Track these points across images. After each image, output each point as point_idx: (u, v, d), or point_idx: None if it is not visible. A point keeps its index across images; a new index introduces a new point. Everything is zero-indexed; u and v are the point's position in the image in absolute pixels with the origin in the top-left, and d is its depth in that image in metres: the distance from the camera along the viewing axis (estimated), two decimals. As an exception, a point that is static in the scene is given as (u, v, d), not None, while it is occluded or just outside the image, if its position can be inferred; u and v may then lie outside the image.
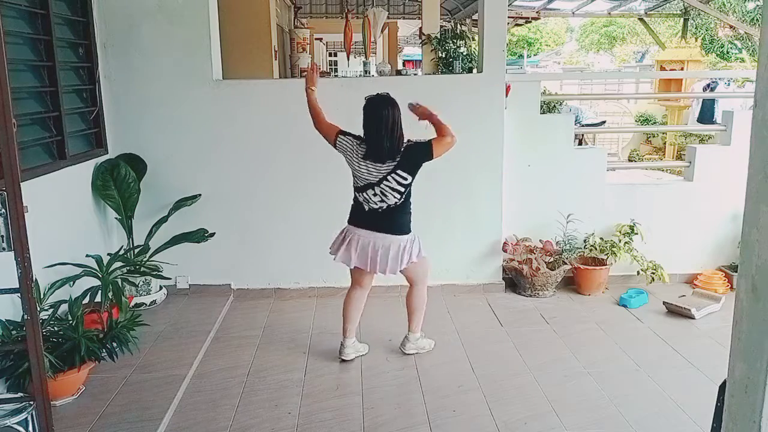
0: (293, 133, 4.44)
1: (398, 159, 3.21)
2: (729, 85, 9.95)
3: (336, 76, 12.51)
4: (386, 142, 3.20)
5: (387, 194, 3.26)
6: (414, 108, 3.35)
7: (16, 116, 2.52)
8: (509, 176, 4.57)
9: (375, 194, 3.27)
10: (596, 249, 4.62)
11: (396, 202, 3.28)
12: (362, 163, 3.26)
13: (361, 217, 3.35)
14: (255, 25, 6.78)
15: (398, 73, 7.51)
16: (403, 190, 3.26)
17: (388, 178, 3.23)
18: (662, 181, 5.60)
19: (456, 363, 3.56)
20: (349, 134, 3.33)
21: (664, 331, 3.98)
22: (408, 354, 3.64)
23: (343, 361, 3.56)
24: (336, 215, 3.96)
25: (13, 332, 2.83)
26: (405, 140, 3.27)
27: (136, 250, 4.12)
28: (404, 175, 3.23)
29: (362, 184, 3.29)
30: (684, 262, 4.80)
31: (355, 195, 3.38)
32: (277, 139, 4.45)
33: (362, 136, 3.30)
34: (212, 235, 4.24)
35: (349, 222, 3.42)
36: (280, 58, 7.78)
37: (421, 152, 3.24)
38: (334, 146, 3.35)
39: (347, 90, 4.52)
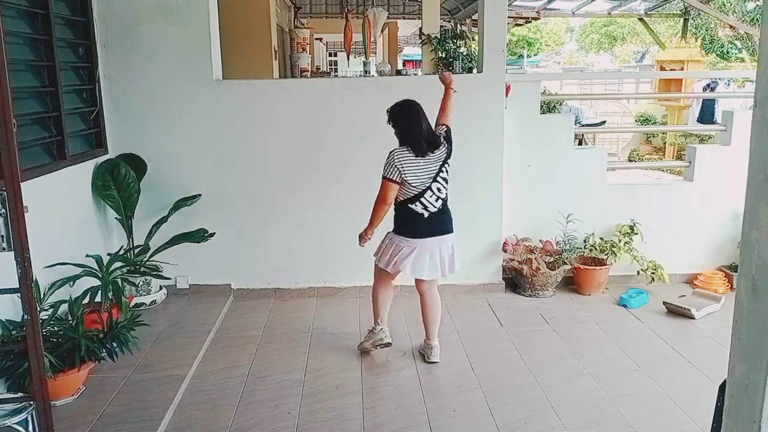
0: (293, 133, 4.44)
1: (444, 149, 3.35)
2: (729, 85, 9.94)
3: (336, 76, 12.52)
4: (427, 134, 3.31)
5: (441, 189, 3.34)
6: (444, 77, 3.69)
7: (16, 116, 2.52)
8: (509, 176, 4.57)
9: (432, 194, 3.31)
10: (596, 249, 4.62)
11: (447, 194, 3.39)
12: (418, 166, 3.27)
13: (424, 226, 3.34)
14: (255, 25, 6.78)
15: (398, 73, 7.52)
16: (448, 179, 3.40)
17: (442, 169, 3.33)
18: (662, 181, 5.60)
19: (456, 363, 3.56)
20: (393, 165, 3.26)
21: (664, 331, 3.98)
22: (431, 362, 3.55)
23: (388, 344, 3.61)
24: (336, 215, 3.99)
25: (13, 332, 2.83)
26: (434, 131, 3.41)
27: (136, 250, 4.12)
28: (449, 166, 3.39)
29: (421, 190, 3.28)
30: (684, 262, 4.80)
31: (408, 207, 3.33)
32: (277, 139, 4.45)
33: (399, 146, 3.32)
34: (212, 235, 4.24)
35: (411, 236, 3.35)
36: (280, 58, 7.78)
37: (450, 140, 3.45)
38: (402, 182, 3.29)
39: (347, 90, 4.52)
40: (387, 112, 3.38)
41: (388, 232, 3.47)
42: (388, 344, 3.62)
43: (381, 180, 3.31)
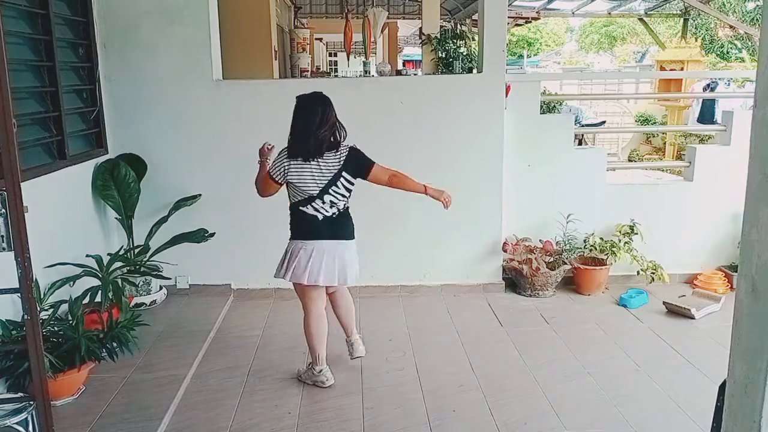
0: (293, 133, 4.44)
1: (336, 161, 3.07)
2: (729, 85, 9.94)
3: (336, 76, 12.52)
4: (312, 138, 3.02)
5: (336, 202, 3.11)
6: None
7: (16, 116, 2.52)
8: (509, 176, 4.57)
9: (323, 203, 3.08)
10: (596, 249, 4.62)
11: (345, 206, 3.17)
12: (302, 169, 3.03)
13: (319, 228, 3.11)
14: (255, 25, 6.78)
15: (398, 73, 7.51)
16: (347, 195, 3.14)
17: (337, 184, 3.07)
18: (662, 181, 5.60)
19: (456, 363, 3.56)
20: (277, 163, 3.09)
21: (664, 331, 3.98)
22: (356, 357, 3.43)
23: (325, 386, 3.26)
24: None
25: (13, 332, 2.83)
26: (345, 144, 3.12)
27: (136, 250, 4.12)
28: (350, 178, 3.10)
29: (308, 196, 3.07)
30: (684, 262, 4.80)
31: (299, 209, 3.12)
32: (277, 139, 4.43)
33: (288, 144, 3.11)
34: (212, 235, 4.24)
35: (307, 237, 3.13)
36: (280, 58, 7.78)
37: (359, 165, 3.12)
38: (277, 180, 3.11)
39: (347, 90, 4.52)
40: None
41: (289, 242, 3.22)
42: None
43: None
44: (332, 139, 3.09)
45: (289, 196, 3.17)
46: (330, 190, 3.07)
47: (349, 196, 3.17)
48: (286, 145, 3.13)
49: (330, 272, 3.12)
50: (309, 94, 3.15)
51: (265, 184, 3.17)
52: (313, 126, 3.04)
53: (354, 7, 11.61)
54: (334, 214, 3.13)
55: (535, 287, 4.56)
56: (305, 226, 3.14)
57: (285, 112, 4.40)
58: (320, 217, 3.11)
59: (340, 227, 3.17)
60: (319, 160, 3.05)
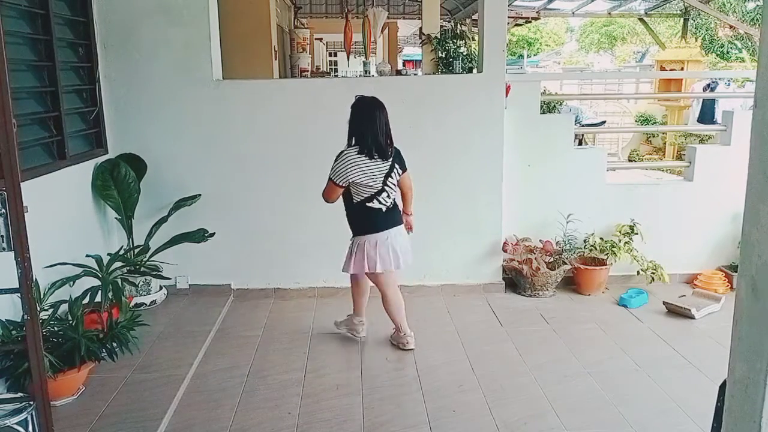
0: (293, 133, 4.44)
1: (393, 157, 3.48)
2: (729, 85, 9.95)
3: (336, 76, 12.52)
4: (384, 140, 3.41)
5: (390, 193, 3.49)
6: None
7: (16, 116, 2.52)
8: (509, 176, 4.57)
9: (386, 194, 3.46)
10: (596, 249, 4.62)
11: (394, 197, 3.54)
12: (370, 166, 3.37)
13: (383, 219, 3.50)
14: (255, 25, 6.78)
15: (398, 73, 7.52)
16: (395, 187, 3.53)
17: (391, 174, 3.45)
18: (662, 181, 5.60)
19: (456, 363, 3.56)
20: (339, 168, 3.39)
21: (664, 331, 3.98)
22: (408, 349, 3.67)
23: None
24: (336, 215, 3.99)
25: (13, 332, 2.83)
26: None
27: (136, 250, 4.12)
28: (399, 171, 3.52)
29: (377, 190, 3.42)
30: (684, 262, 4.80)
31: (366, 205, 3.45)
32: (277, 139, 4.45)
33: (351, 144, 3.43)
34: (212, 235, 4.24)
35: (374, 230, 3.48)
36: (280, 58, 7.78)
37: (402, 164, 3.55)
38: (341, 184, 3.42)
39: (347, 90, 4.51)
40: (353, 105, 3.47)
41: (352, 239, 3.59)
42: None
43: (327, 179, 3.45)
44: (390, 140, 3.49)
45: (353, 196, 3.47)
46: (387, 182, 3.44)
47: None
48: (345, 148, 3.43)
49: (396, 256, 3.50)
50: (371, 98, 3.46)
51: (331, 192, 3.49)
52: (383, 127, 3.40)
53: (354, 7, 11.61)
54: (390, 204, 3.51)
55: (535, 287, 4.56)
56: (373, 219, 3.49)
57: (285, 111, 4.45)
58: (383, 209, 3.48)
59: (395, 215, 3.57)
60: (382, 158, 3.41)
